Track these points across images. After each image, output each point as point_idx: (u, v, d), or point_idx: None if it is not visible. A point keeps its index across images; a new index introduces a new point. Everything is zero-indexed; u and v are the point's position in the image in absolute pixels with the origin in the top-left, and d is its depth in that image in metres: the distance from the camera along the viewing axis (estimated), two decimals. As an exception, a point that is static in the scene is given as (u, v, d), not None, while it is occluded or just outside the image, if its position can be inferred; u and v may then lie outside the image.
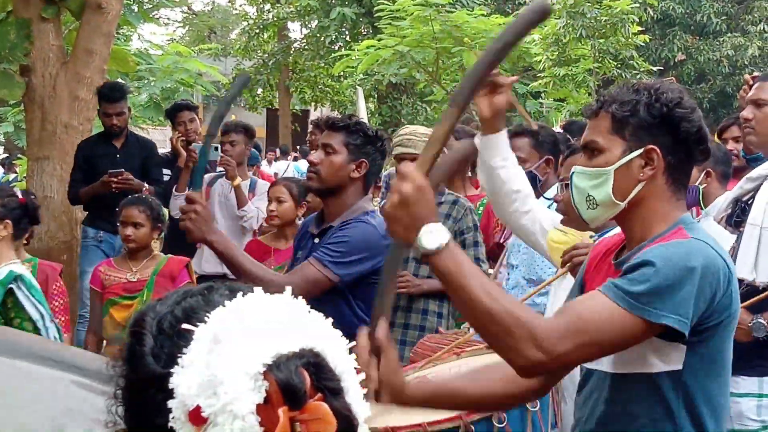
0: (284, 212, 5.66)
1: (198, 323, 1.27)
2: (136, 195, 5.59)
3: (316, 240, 3.96)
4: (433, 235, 2.13)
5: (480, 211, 5.80)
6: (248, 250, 5.77)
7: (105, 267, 5.41)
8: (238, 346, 1.21)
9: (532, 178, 4.97)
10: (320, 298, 3.75)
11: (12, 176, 15.30)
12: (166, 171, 7.30)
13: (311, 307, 1.34)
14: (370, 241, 3.80)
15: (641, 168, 2.38)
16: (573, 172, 2.50)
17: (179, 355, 1.24)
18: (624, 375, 2.37)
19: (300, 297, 3.62)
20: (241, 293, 1.31)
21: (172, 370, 1.23)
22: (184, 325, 1.27)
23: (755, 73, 4.53)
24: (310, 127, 6.40)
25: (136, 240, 5.26)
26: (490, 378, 2.55)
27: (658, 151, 2.37)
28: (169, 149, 7.39)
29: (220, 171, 6.78)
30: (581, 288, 2.63)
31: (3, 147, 21.53)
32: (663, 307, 2.19)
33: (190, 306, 1.33)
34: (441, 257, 2.14)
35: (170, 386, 1.22)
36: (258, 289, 1.33)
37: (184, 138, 7.27)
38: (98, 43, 7.31)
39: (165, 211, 6.39)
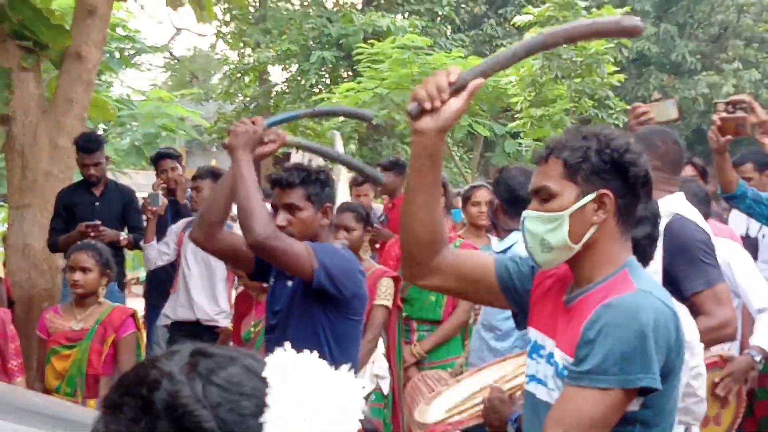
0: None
1: (255, 392, 1.23)
2: (86, 240, 5.55)
3: (289, 282, 3.95)
4: None
5: (454, 251, 5.91)
6: (238, 300, 5.76)
7: (51, 314, 5.26)
8: (329, 407, 1.22)
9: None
10: (299, 325, 3.80)
11: (-6, 224, 15.27)
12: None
13: (291, 340, 1.34)
14: (348, 267, 3.83)
15: (594, 211, 2.46)
16: (525, 218, 2.57)
17: (252, 426, 1.20)
18: None
19: (272, 251, 3.59)
20: (258, 357, 1.30)
21: None
22: (267, 393, 1.22)
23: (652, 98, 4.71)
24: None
25: (84, 285, 5.13)
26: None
27: (611, 194, 2.45)
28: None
29: (192, 217, 6.82)
30: (527, 287, 2.71)
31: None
32: (636, 371, 2.26)
33: (229, 375, 1.25)
34: None
35: None
36: (278, 351, 1.30)
37: (165, 185, 7.39)
38: (78, 92, 7.37)
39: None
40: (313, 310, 3.81)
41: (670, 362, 2.34)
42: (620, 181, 2.46)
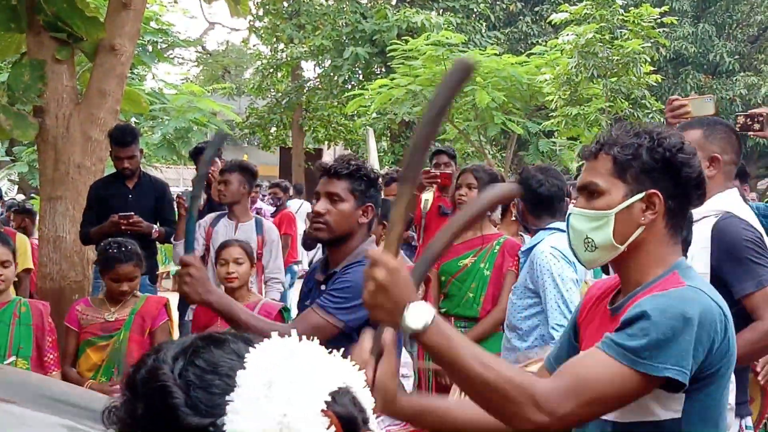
0: (242, 273, 5.40)
1: (230, 372, 1.29)
2: (125, 249, 5.51)
3: (323, 287, 3.88)
4: (418, 315, 2.12)
5: (496, 250, 5.83)
6: (198, 309, 5.61)
7: (82, 306, 5.30)
8: (294, 387, 1.26)
9: None
10: (331, 345, 3.71)
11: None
12: None
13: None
14: None
15: (642, 212, 2.37)
16: (570, 213, 2.49)
17: (220, 403, 1.26)
18: (626, 423, 2.34)
19: None
20: (251, 341, 1.35)
21: (219, 421, 1.26)
22: (240, 372, 1.28)
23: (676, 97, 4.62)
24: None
25: (131, 290, 5.28)
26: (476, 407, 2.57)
27: (660, 195, 2.36)
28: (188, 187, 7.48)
29: (222, 211, 6.79)
30: (575, 330, 2.63)
31: (17, 186, 21.63)
32: (664, 360, 2.17)
33: (211, 356, 1.33)
34: (428, 335, 2.13)
35: None
36: (274, 336, 1.36)
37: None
38: (111, 85, 7.34)
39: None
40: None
41: (713, 362, 2.25)
42: (671, 181, 2.36)
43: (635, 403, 2.28)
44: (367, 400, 1.36)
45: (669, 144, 2.36)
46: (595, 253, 2.44)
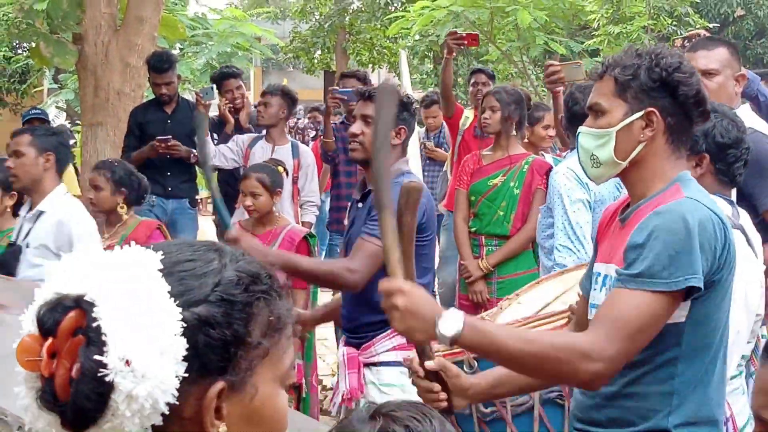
0: (261, 206, 5.37)
1: None
2: (103, 159, 5.56)
3: (360, 204, 4.10)
4: (450, 324, 2.26)
5: (525, 169, 5.90)
6: None
7: None
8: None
9: None
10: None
11: (71, 141, 15.57)
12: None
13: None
14: None
15: (642, 129, 2.49)
16: (579, 133, 2.64)
17: None
18: None
19: (367, 273, 3.76)
20: None
21: None
22: None
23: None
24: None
25: (97, 203, 5.25)
26: None
27: (658, 113, 2.48)
28: (217, 114, 7.54)
29: (260, 133, 6.89)
30: (595, 247, 2.77)
31: (65, 113, 21.87)
32: (682, 272, 2.32)
33: None
34: (464, 338, 2.27)
35: None
36: None
37: (231, 105, 7.43)
38: (148, 11, 7.44)
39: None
40: None
41: (716, 268, 2.39)
42: (670, 99, 2.49)
43: None
44: None
45: (666, 63, 2.47)
46: (600, 169, 2.58)
